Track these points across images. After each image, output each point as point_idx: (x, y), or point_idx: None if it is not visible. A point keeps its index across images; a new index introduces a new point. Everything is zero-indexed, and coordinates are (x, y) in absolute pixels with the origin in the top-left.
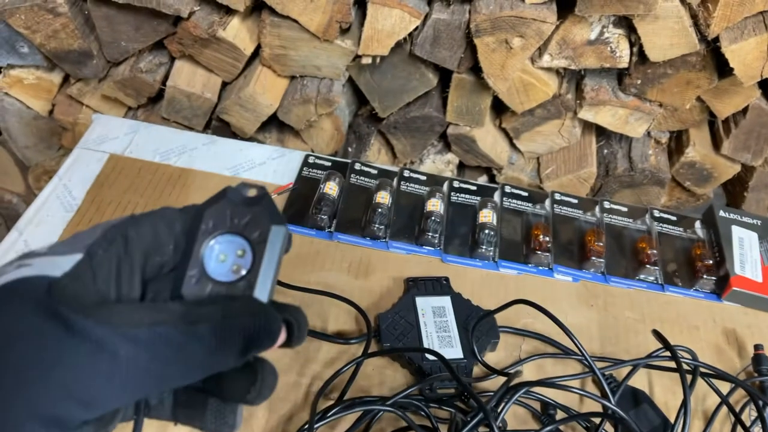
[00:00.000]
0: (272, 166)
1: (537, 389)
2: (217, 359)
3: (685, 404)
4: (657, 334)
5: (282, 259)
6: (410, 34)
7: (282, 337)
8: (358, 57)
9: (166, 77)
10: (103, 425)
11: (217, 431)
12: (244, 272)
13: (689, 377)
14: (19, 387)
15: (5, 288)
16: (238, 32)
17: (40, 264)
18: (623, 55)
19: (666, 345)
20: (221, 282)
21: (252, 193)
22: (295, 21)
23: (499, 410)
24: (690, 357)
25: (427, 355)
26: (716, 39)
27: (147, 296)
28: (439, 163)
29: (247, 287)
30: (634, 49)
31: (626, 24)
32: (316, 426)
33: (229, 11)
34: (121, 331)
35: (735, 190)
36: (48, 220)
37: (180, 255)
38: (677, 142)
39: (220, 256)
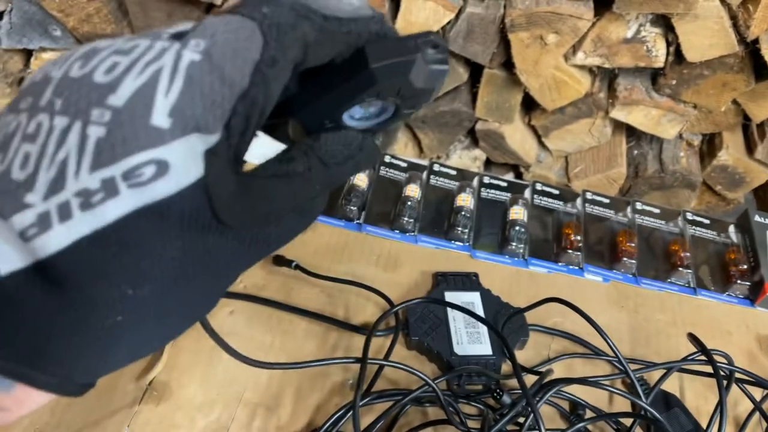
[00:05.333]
0: None
1: (566, 388)
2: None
3: (721, 409)
4: (693, 338)
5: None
6: (443, 28)
7: None
8: None
9: None
10: None
11: None
12: (378, 119)
13: (724, 383)
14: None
15: (161, 206)
16: None
17: (180, 164)
18: (659, 55)
19: (702, 349)
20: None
21: (436, 56)
22: None
23: (530, 407)
24: (726, 362)
25: (456, 351)
26: (755, 41)
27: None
28: (465, 158)
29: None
30: (671, 49)
31: (664, 23)
32: (345, 418)
33: None
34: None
35: (766, 196)
36: None
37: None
38: (709, 145)
39: (365, 104)
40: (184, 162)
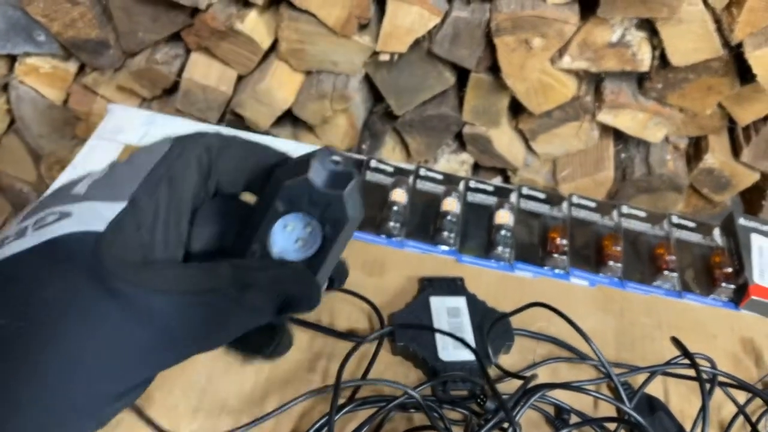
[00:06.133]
0: None
1: (551, 393)
2: (256, 322)
3: (704, 413)
4: (676, 342)
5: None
6: (429, 32)
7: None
8: (375, 53)
9: (181, 69)
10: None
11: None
12: (310, 251)
13: (708, 386)
14: (58, 355)
15: (53, 244)
16: (255, 25)
17: (82, 214)
18: (644, 59)
19: (685, 353)
20: (284, 261)
21: (338, 169)
22: (314, 15)
23: (515, 413)
24: (709, 365)
25: (441, 356)
26: (739, 44)
27: (195, 241)
28: (453, 162)
29: (311, 271)
30: (656, 53)
31: (649, 27)
32: (325, 428)
33: (246, 4)
34: (170, 297)
35: (752, 198)
36: None
37: (231, 190)
38: (696, 148)
39: (288, 227)
40: (86, 214)
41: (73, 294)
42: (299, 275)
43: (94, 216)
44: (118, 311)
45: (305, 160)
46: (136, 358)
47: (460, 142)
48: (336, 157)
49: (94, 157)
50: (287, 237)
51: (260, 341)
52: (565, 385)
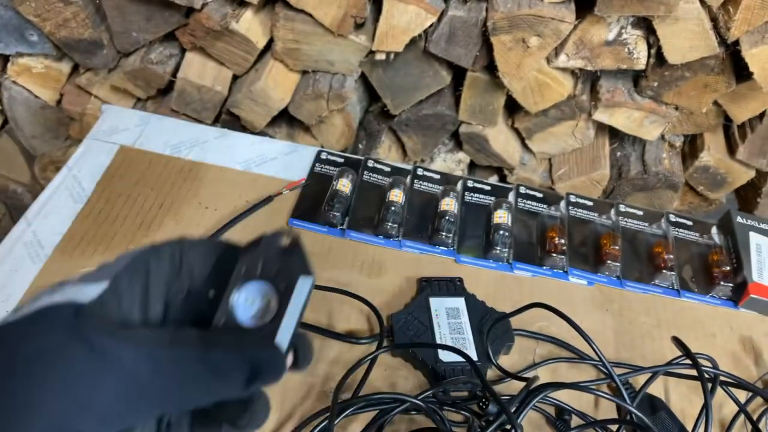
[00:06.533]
0: (284, 162)
1: (553, 394)
2: (224, 387)
3: (707, 413)
4: (677, 342)
5: (306, 306)
6: (425, 31)
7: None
8: (371, 53)
9: (176, 69)
10: None
11: None
12: (269, 317)
13: (709, 385)
14: (43, 401)
15: (37, 312)
16: (250, 25)
17: (70, 291)
18: (641, 57)
19: (687, 353)
20: (246, 328)
21: (286, 242)
22: (309, 15)
23: (516, 414)
24: (710, 365)
25: (442, 357)
26: (736, 42)
27: (168, 319)
28: (450, 161)
29: (270, 335)
30: (652, 51)
31: (645, 25)
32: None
33: (242, 3)
34: (142, 350)
35: (748, 196)
36: (57, 210)
37: (199, 281)
38: (691, 146)
39: (248, 300)
40: (72, 291)
41: (52, 348)
42: (258, 338)
43: (80, 292)
44: (93, 361)
45: (258, 239)
46: (109, 407)
47: (457, 141)
48: (283, 233)
49: (88, 158)
50: (248, 308)
51: (234, 412)
52: (568, 385)
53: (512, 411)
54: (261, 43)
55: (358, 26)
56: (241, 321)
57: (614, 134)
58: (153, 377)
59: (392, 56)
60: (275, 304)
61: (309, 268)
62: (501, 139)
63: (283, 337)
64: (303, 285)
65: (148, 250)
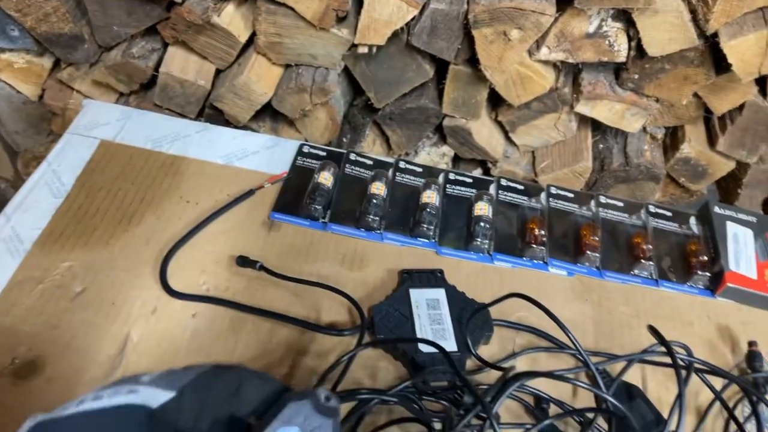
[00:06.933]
0: (266, 155)
1: (530, 383)
2: None
3: (680, 400)
4: (652, 330)
5: None
6: (407, 24)
7: None
8: (354, 46)
9: (158, 63)
10: None
11: None
12: None
13: (684, 373)
14: None
15: (118, 407)
16: (232, 19)
17: (145, 393)
18: (621, 50)
19: (661, 341)
20: None
21: (328, 404)
22: (291, 8)
23: (492, 404)
24: (685, 353)
25: (421, 348)
26: (715, 34)
27: None
28: (434, 155)
29: None
30: (632, 44)
31: (625, 18)
32: None
33: None
34: None
35: (729, 187)
36: (36, 206)
37: (246, 409)
38: (672, 138)
39: None
40: (147, 394)
41: None
42: None
43: (152, 397)
44: None
45: (307, 391)
46: None
47: (441, 134)
48: (327, 396)
49: (68, 152)
50: None
51: None
52: (543, 374)
53: (488, 400)
54: (243, 37)
55: (340, 20)
56: None
57: (596, 127)
58: None
59: (375, 50)
60: None
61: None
62: (484, 133)
63: None
64: None
65: (212, 371)
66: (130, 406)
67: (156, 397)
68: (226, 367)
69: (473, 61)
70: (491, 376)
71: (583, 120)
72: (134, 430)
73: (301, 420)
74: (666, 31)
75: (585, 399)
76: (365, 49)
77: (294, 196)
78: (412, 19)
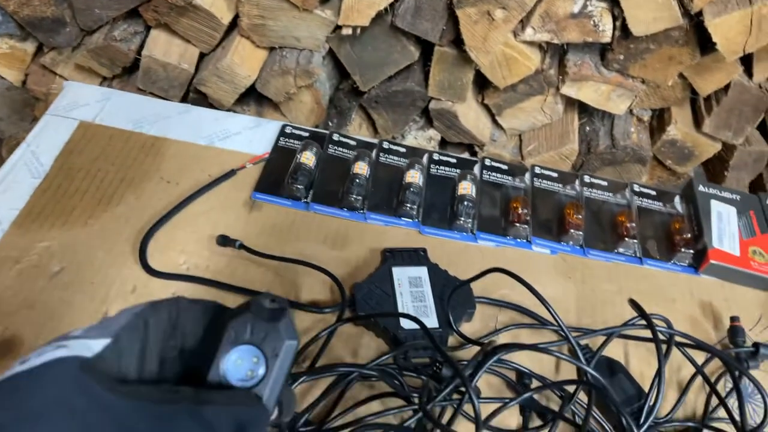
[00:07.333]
0: (248, 136)
1: (512, 358)
2: None
3: (659, 372)
4: (633, 303)
5: (292, 367)
6: (391, 5)
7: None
8: (338, 28)
9: (141, 47)
10: None
11: None
12: (256, 378)
13: (664, 346)
14: None
15: (45, 365)
16: (215, 1)
17: (75, 346)
18: (606, 30)
19: (641, 313)
20: (235, 388)
21: (273, 306)
22: None
23: (473, 378)
24: (665, 326)
25: (403, 324)
26: (699, 13)
27: (162, 375)
28: (420, 139)
29: (257, 395)
30: (617, 23)
31: None
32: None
33: None
34: (139, 405)
35: (715, 169)
36: (15, 186)
37: (192, 340)
38: (659, 120)
39: (237, 361)
40: (78, 346)
41: (58, 399)
42: (249, 396)
43: (84, 348)
44: (94, 413)
45: (246, 303)
46: None
47: (428, 118)
48: (271, 298)
49: (47, 133)
50: (238, 369)
51: None
52: (522, 346)
53: (468, 374)
54: (226, 19)
55: (324, 1)
56: (231, 381)
57: (583, 109)
58: (147, 429)
59: (359, 31)
60: (263, 366)
61: (294, 332)
62: (471, 116)
63: (270, 396)
64: (288, 349)
65: (148, 308)
66: (58, 361)
67: (89, 347)
68: (162, 301)
69: (459, 42)
70: (472, 352)
71: (570, 103)
72: (66, 384)
73: (248, 335)
74: (650, 10)
75: (568, 374)
76: (349, 31)
77: (276, 176)
78: (396, 0)
